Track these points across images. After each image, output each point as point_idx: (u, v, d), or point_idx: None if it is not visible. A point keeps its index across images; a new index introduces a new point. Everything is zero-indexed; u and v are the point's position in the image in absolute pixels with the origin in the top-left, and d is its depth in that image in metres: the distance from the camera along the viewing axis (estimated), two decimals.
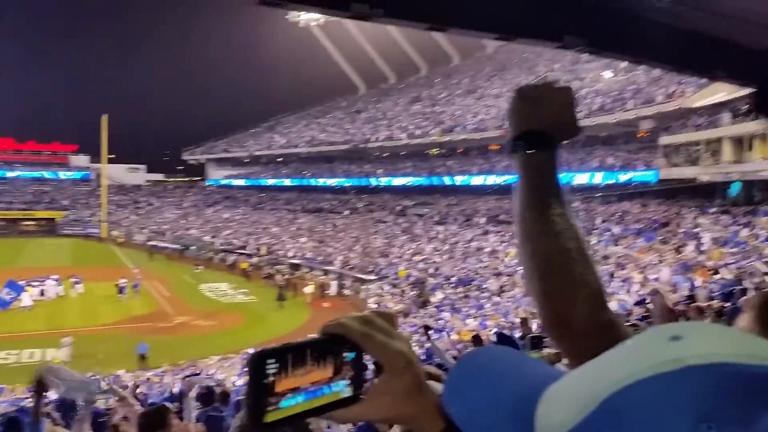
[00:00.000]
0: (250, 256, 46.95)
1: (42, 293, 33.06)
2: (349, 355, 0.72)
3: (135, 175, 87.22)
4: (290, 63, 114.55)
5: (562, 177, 1.10)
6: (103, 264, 44.74)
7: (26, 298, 31.52)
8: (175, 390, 14.02)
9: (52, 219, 70.45)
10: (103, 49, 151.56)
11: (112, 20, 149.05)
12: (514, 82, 54.37)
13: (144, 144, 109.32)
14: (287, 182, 67.71)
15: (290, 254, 44.90)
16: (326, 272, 39.50)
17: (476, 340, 10.74)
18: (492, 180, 43.74)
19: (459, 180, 46.78)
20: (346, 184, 56.01)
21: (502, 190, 42.35)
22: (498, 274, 27.91)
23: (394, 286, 31.79)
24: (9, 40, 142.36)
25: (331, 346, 0.72)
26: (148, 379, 19.07)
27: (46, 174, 79.58)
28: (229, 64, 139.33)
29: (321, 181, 62.53)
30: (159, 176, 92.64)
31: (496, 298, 24.21)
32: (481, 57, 72.34)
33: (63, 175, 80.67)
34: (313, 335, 0.74)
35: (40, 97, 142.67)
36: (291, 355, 0.70)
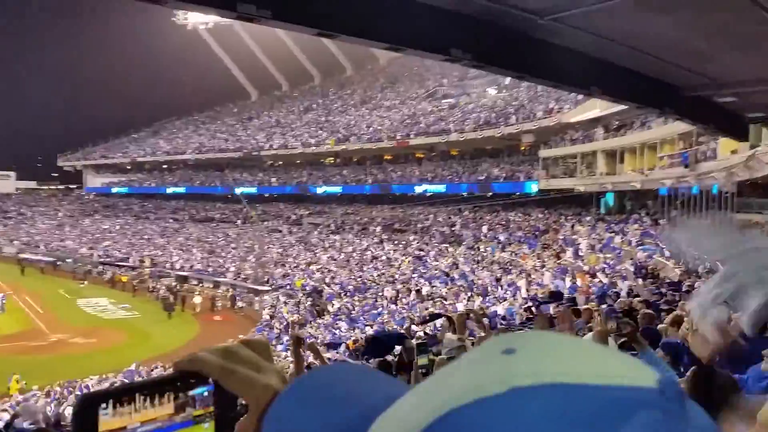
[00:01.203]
0: (132, 268, 44.32)
1: None
2: (198, 390, 0.63)
3: (4, 182, 79.49)
4: (176, 66, 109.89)
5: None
6: None
7: None
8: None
9: None
10: None
11: None
12: (406, 95, 55.85)
13: (14, 148, 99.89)
14: (173, 190, 64.65)
15: (177, 266, 42.93)
16: (217, 284, 38.18)
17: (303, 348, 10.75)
18: (386, 190, 44.45)
19: (354, 189, 47.09)
20: (239, 193, 54.51)
21: (397, 200, 43.19)
22: (393, 282, 28.34)
23: (290, 296, 31.34)
24: None
25: (175, 384, 0.62)
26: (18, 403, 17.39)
27: None
28: (111, 65, 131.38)
29: (211, 190, 60.39)
30: (31, 183, 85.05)
31: (392, 306, 24.55)
32: (374, 68, 73.47)
33: None
34: (163, 373, 0.66)
35: None
36: (121, 397, 0.60)
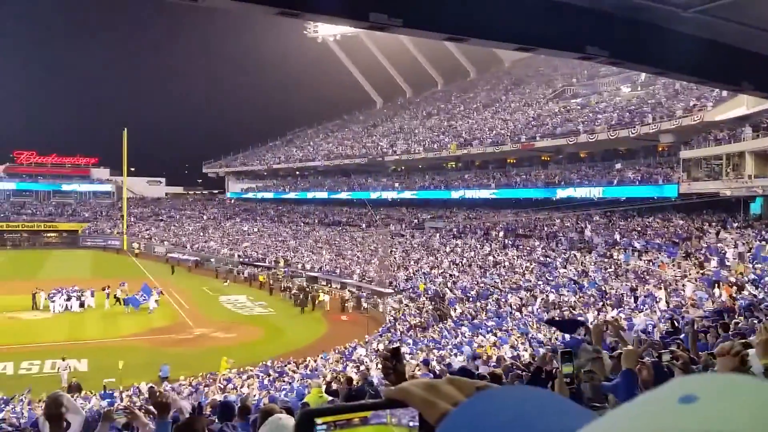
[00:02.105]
0: (268, 268, 47.17)
1: (68, 303, 33.54)
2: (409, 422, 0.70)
3: (156, 188, 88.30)
4: (308, 77, 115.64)
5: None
6: (123, 275, 45.15)
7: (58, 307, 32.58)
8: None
9: (74, 231, 71.53)
10: (125, 64, 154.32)
11: (134, 35, 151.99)
12: (532, 96, 54.42)
13: (164, 157, 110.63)
14: (305, 195, 68.07)
15: (308, 267, 45.03)
16: (344, 285, 39.55)
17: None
18: (510, 194, 43.61)
19: (476, 194, 46.64)
20: (364, 197, 56.17)
21: (521, 204, 42.19)
22: (517, 289, 27.72)
23: (413, 299, 31.70)
24: (33, 54, 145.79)
25: (384, 408, 0.71)
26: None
27: (68, 186, 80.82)
28: (249, 78, 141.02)
29: (338, 195, 62.75)
30: (179, 189, 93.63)
31: (517, 314, 24.02)
32: (497, 71, 72.47)
33: (84, 187, 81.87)
34: (373, 400, 0.75)
35: (63, 111, 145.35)
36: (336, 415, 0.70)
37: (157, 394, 3.78)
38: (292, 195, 69.88)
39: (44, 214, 74.20)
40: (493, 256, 34.96)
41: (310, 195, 67.28)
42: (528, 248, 34.54)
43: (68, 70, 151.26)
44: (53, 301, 33.40)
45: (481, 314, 25.60)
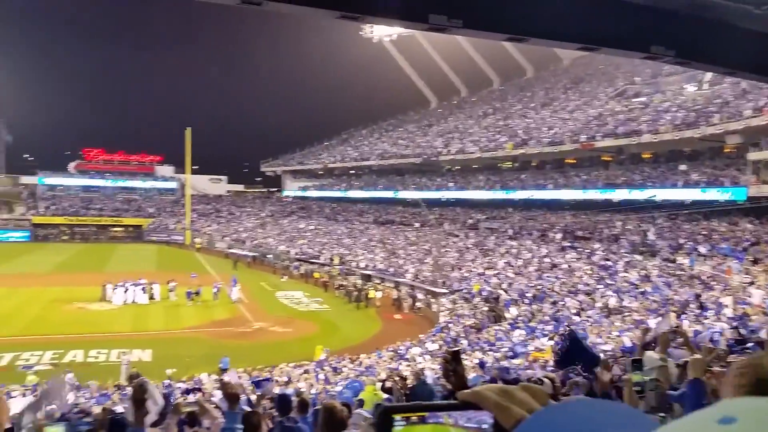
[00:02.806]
0: (323, 265, 47.92)
1: (133, 295, 35.07)
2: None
3: (217, 185, 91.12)
4: (364, 77, 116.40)
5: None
6: (185, 269, 46.81)
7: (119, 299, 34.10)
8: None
9: (139, 226, 74.69)
10: (189, 65, 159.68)
11: (197, 38, 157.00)
12: (592, 95, 53.10)
13: (225, 156, 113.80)
14: (359, 194, 68.75)
15: (362, 265, 45.48)
16: (397, 284, 39.75)
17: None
18: (569, 195, 42.74)
19: (533, 195, 45.92)
20: (417, 197, 56.24)
21: (580, 206, 41.30)
22: (575, 293, 27.18)
23: (467, 300, 31.56)
24: (101, 56, 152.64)
25: (458, 409, 0.75)
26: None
27: (134, 183, 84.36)
28: (306, 78, 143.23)
29: (392, 194, 63.04)
30: (239, 187, 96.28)
31: (575, 318, 23.58)
32: (556, 69, 71.05)
33: (149, 184, 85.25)
34: (447, 401, 0.85)
35: (129, 109, 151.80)
36: (413, 413, 0.75)
37: (227, 385, 3.97)
38: (346, 194, 70.69)
39: (111, 210, 77.72)
40: (551, 258, 34.37)
41: (364, 194, 67.89)
42: (588, 251, 33.79)
43: (135, 71, 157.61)
44: (118, 293, 34.96)
45: (538, 317, 25.25)
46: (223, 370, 22.66)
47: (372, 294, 37.30)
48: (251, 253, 57.41)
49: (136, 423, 3.44)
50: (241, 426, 3.81)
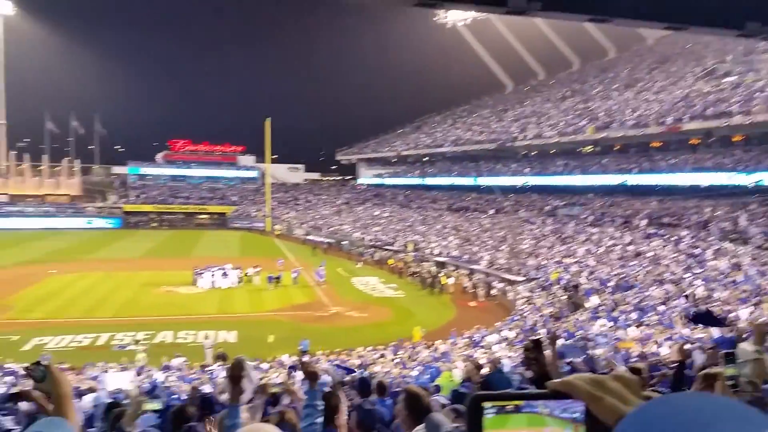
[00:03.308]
0: (397, 252, 48.26)
1: (223, 277, 36.69)
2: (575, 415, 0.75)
3: (295, 174, 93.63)
4: (438, 63, 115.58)
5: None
6: (266, 255, 48.50)
7: (206, 283, 35.78)
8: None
9: (223, 213, 77.96)
10: (266, 56, 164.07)
11: (273, 31, 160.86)
12: (678, 75, 50.23)
13: (303, 145, 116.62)
14: (433, 181, 68.58)
15: (436, 252, 45.43)
16: (472, 271, 39.45)
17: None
18: (654, 180, 40.82)
19: (616, 180, 44.17)
20: (492, 184, 55.42)
21: (666, 191, 39.37)
22: (661, 282, 26.03)
23: (544, 288, 30.91)
24: (183, 50, 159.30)
25: (547, 399, 0.76)
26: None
27: (218, 172, 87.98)
28: (380, 66, 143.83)
29: (466, 181, 62.45)
30: (315, 175, 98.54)
31: (661, 307, 22.59)
32: (639, 49, 67.71)
33: (232, 173, 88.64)
34: (538, 390, 0.85)
35: (212, 101, 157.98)
36: (504, 401, 0.76)
37: (307, 364, 4.08)
38: (420, 181, 70.68)
39: (197, 198, 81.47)
40: (635, 246, 33.04)
41: (437, 181, 67.65)
42: (674, 238, 32.22)
43: (218, 65, 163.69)
44: (205, 278, 36.65)
45: (621, 307, 24.39)
46: (303, 352, 23.41)
47: (444, 280, 37.28)
48: (327, 240, 58.67)
49: (231, 400, 3.53)
50: (321, 403, 3.84)
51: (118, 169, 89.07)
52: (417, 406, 3.83)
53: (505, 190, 54.43)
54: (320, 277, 39.25)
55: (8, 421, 6.05)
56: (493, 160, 62.11)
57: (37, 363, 1.82)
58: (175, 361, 20.86)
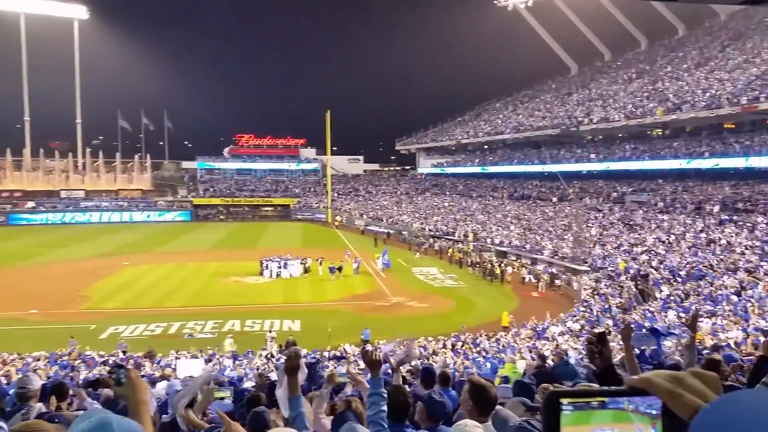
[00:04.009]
0: (457, 242, 47.94)
1: (285, 268, 37.58)
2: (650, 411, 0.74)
3: (354, 165, 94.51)
4: (498, 48, 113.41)
5: None
6: (328, 246, 49.25)
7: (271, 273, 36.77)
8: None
9: (287, 205, 79.65)
10: (326, 49, 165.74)
11: (330, 25, 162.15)
12: (754, 52, 47.27)
13: (362, 136, 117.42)
14: (493, 169, 67.55)
15: (497, 241, 44.84)
16: (534, 261, 38.74)
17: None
18: (728, 163, 38.76)
19: (687, 164, 42.20)
20: (555, 170, 54.03)
21: (740, 175, 37.32)
22: (735, 270, 24.76)
23: (611, 278, 29.97)
24: (247, 47, 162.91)
25: (625, 395, 0.75)
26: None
27: (281, 165, 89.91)
28: (438, 54, 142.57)
29: (528, 168, 61.16)
30: (374, 166, 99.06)
31: (734, 297, 21.51)
32: (711, 26, 64.10)
33: (295, 166, 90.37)
34: (616, 387, 0.84)
35: (275, 96, 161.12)
36: (581, 398, 0.75)
37: (370, 352, 4.09)
38: (480, 169, 69.79)
39: (262, 191, 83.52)
40: (707, 233, 31.54)
41: (498, 169, 66.59)
42: (749, 225, 30.54)
43: (278, 60, 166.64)
44: (270, 268, 37.60)
45: (692, 297, 23.38)
46: (365, 341, 23.68)
47: (497, 270, 36.73)
48: (386, 230, 58.95)
49: (291, 392, 3.60)
50: (385, 390, 3.83)
51: (187, 164, 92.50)
52: (483, 398, 3.80)
53: (570, 177, 53.02)
54: (386, 265, 39.87)
55: (95, 405, 6.44)
56: (557, 145, 60.55)
57: (119, 366, 1.91)
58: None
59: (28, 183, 75.86)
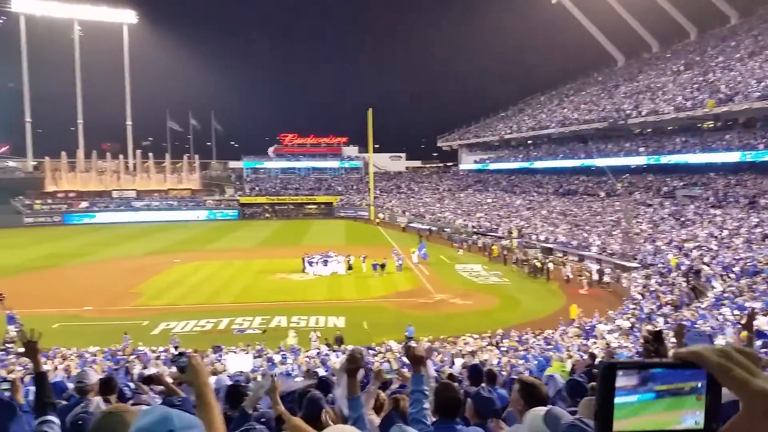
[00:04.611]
0: (501, 238, 47.46)
1: (324, 266, 38.01)
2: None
3: (396, 162, 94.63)
4: (541, 41, 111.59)
5: None
6: (370, 243, 49.52)
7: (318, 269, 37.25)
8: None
9: (330, 203, 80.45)
10: (367, 47, 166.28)
11: (371, 23, 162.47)
12: None
13: (404, 133, 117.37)
14: (538, 164, 66.53)
15: (542, 238, 44.20)
16: (582, 257, 38.03)
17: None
18: None
19: (741, 157, 40.61)
20: (603, 165, 52.78)
21: None
22: None
23: (662, 275, 29.17)
24: (289, 47, 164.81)
25: (674, 367, 0.75)
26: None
27: (324, 163, 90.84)
28: (480, 48, 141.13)
29: (574, 163, 59.99)
30: (416, 163, 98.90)
31: None
32: (765, 13, 61.39)
33: (337, 164, 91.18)
34: (667, 360, 0.83)
35: (318, 95, 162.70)
36: (634, 369, 0.76)
37: (413, 348, 4.07)
38: (524, 165, 68.84)
39: (306, 189, 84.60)
40: (763, 228, 30.34)
41: (543, 164, 65.57)
42: None
43: (320, 59, 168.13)
44: (314, 265, 38.06)
45: (747, 294, 22.54)
46: (409, 338, 23.74)
47: (565, 269, 36.08)
48: (428, 227, 58.85)
49: (350, 393, 3.59)
50: (428, 388, 3.81)
51: (234, 164, 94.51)
52: (534, 396, 3.80)
53: (618, 171, 51.78)
54: (424, 257, 39.80)
55: (154, 398, 6.71)
56: (604, 139, 59.18)
57: (180, 354, 2.04)
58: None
59: (82, 184, 78.91)
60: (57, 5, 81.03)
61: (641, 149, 52.36)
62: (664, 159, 48.09)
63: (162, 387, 6.93)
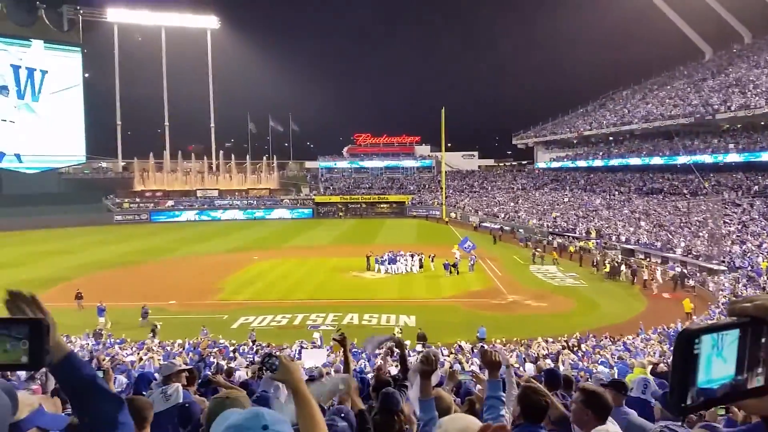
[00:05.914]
0: (578, 239, 46.07)
1: (397, 266, 38.24)
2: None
3: (469, 161, 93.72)
4: (622, 35, 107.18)
5: None
6: (442, 242, 49.29)
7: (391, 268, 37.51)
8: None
9: (402, 202, 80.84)
10: (439, 44, 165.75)
11: (443, 22, 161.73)
12: None
13: (477, 132, 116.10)
14: (618, 162, 63.98)
15: (623, 238, 42.55)
16: (665, 259, 36.33)
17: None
18: None
19: None
20: (689, 162, 50.12)
21: None
22: None
23: (752, 279, 27.44)
24: (363, 48, 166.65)
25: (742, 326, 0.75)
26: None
27: (397, 163, 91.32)
28: (557, 44, 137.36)
29: (658, 160, 57.27)
30: (489, 161, 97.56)
31: None
32: None
33: (409, 163, 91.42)
34: (739, 319, 0.81)
35: (391, 94, 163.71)
36: (713, 332, 0.75)
37: (489, 353, 3.98)
38: (604, 162, 66.40)
39: (378, 188, 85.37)
40: None
41: (624, 161, 62.98)
42: None
43: (393, 58, 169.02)
44: (386, 264, 38.35)
45: None
46: (481, 339, 23.47)
47: (657, 276, 34.60)
48: (497, 226, 57.94)
49: (423, 395, 3.53)
50: (503, 394, 3.73)
51: (310, 164, 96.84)
52: (599, 405, 3.72)
53: (705, 169, 49.01)
54: (466, 250, 37.95)
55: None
56: (690, 135, 56.22)
57: (270, 355, 2.13)
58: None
59: (168, 184, 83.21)
60: (146, 14, 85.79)
61: (731, 146, 49.35)
62: (755, 156, 45.07)
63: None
